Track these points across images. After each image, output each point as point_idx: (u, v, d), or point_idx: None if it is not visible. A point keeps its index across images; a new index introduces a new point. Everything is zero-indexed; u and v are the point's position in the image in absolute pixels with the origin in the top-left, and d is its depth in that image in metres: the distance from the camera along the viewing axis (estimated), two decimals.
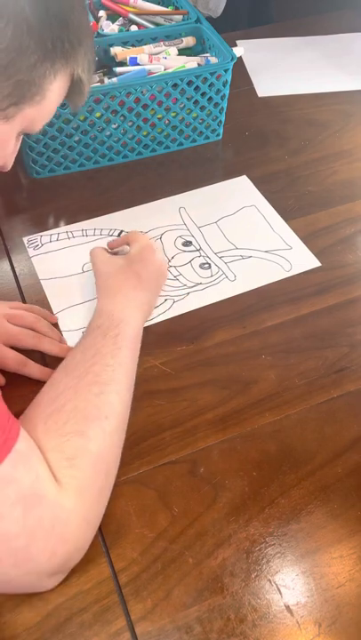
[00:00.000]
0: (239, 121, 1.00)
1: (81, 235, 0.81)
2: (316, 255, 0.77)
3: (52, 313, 0.71)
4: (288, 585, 0.50)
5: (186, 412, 0.61)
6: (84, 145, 0.89)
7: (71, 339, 0.68)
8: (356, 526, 0.53)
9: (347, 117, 1.01)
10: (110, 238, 0.80)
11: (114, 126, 0.88)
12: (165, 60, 0.92)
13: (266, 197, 0.86)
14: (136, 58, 0.91)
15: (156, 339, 0.68)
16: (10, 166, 0.57)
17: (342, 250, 0.78)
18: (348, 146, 0.95)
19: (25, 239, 0.81)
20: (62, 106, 0.82)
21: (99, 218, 0.84)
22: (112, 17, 1.02)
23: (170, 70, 0.90)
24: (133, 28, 1.00)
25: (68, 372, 0.57)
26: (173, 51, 0.95)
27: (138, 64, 0.91)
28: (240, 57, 1.10)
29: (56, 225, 0.83)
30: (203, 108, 0.92)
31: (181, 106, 0.90)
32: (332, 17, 1.28)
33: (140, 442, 0.59)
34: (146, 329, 0.69)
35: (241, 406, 0.62)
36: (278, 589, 0.50)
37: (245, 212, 0.84)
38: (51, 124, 0.83)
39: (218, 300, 0.72)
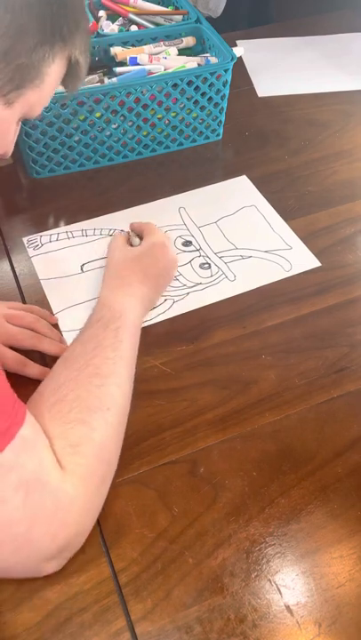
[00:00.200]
0: (239, 121, 1.00)
1: (81, 235, 0.81)
2: (317, 255, 0.77)
3: (51, 313, 0.71)
4: (288, 585, 0.50)
5: (186, 412, 0.61)
6: (84, 145, 0.89)
7: (71, 339, 0.68)
8: (356, 526, 0.53)
9: (347, 117, 1.01)
10: (109, 239, 0.80)
11: (114, 126, 0.88)
12: (165, 60, 0.92)
13: (266, 197, 0.86)
14: (136, 58, 0.91)
15: (156, 339, 0.68)
16: (10, 153, 0.57)
17: (342, 250, 0.78)
18: (348, 146, 0.95)
19: (25, 239, 0.81)
20: (62, 106, 0.82)
21: (99, 218, 0.84)
22: (112, 17, 1.02)
23: (170, 70, 0.90)
24: (133, 27, 1.00)
25: (69, 364, 0.57)
26: (173, 51, 0.95)
27: (138, 64, 0.91)
28: (240, 57, 1.10)
29: (56, 225, 0.83)
30: (203, 108, 0.92)
31: (181, 106, 0.90)
32: (332, 17, 1.28)
33: (140, 442, 0.59)
34: (146, 329, 0.69)
35: (241, 406, 0.62)
36: (278, 589, 0.50)
37: (245, 211, 0.84)
38: (51, 124, 0.83)
39: (218, 300, 0.72)
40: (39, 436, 0.48)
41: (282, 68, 1.14)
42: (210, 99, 0.91)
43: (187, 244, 0.80)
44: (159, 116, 0.90)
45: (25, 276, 0.76)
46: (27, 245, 0.80)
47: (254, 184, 0.88)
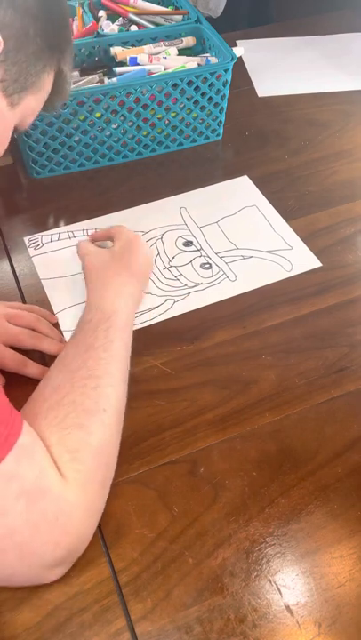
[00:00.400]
0: (239, 121, 1.00)
1: (82, 234, 0.81)
2: (317, 255, 0.77)
3: (52, 313, 0.71)
4: (288, 585, 0.50)
5: (186, 412, 0.61)
6: (84, 145, 0.89)
7: None
8: (356, 526, 0.53)
9: (347, 117, 1.01)
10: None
11: (114, 126, 0.88)
12: (165, 59, 0.92)
13: (266, 197, 0.86)
14: (136, 58, 0.91)
15: (156, 339, 0.68)
16: None
17: (342, 250, 0.78)
18: (348, 146, 0.95)
19: (26, 239, 0.81)
20: (63, 106, 0.82)
21: (99, 218, 0.84)
22: (112, 17, 1.02)
23: (170, 70, 0.90)
24: (133, 27, 1.00)
25: (62, 367, 0.57)
26: (173, 51, 0.95)
27: (138, 64, 0.91)
28: (240, 57, 1.11)
29: (56, 225, 0.83)
30: (203, 108, 0.92)
31: (181, 106, 0.90)
32: (332, 17, 1.28)
33: (140, 442, 0.59)
34: (146, 329, 0.69)
35: (241, 406, 0.62)
36: (278, 589, 0.50)
37: (246, 212, 0.84)
38: (50, 124, 0.83)
39: (218, 300, 0.72)
40: (37, 445, 0.48)
41: (282, 68, 1.14)
42: (210, 99, 0.91)
43: (188, 244, 0.80)
44: (159, 115, 0.90)
45: (25, 275, 0.76)
46: (27, 245, 0.80)
47: (254, 184, 0.88)
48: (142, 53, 0.92)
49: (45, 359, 0.66)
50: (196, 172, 0.91)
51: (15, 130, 0.55)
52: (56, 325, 0.70)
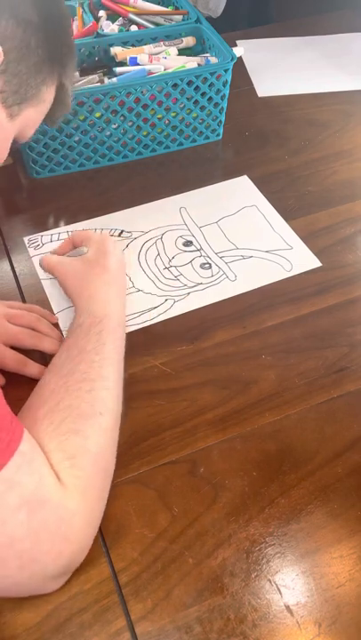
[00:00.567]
0: (239, 121, 1.00)
1: None
2: (317, 255, 0.77)
3: (52, 313, 0.71)
4: (288, 585, 0.50)
5: (186, 412, 0.61)
6: (84, 145, 0.89)
7: None
8: (356, 526, 0.53)
9: (347, 117, 1.01)
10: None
11: (114, 126, 0.88)
12: (165, 59, 0.92)
13: (266, 197, 0.86)
14: (136, 58, 0.91)
15: (156, 339, 0.68)
16: None
17: (342, 250, 0.78)
18: (348, 146, 0.95)
19: (26, 239, 0.81)
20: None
21: (99, 218, 0.84)
22: (112, 17, 1.02)
23: (170, 70, 0.90)
24: (133, 28, 1.00)
25: (56, 372, 0.57)
26: (173, 51, 0.95)
27: (138, 64, 0.91)
28: (240, 57, 1.11)
29: (56, 225, 0.83)
30: (203, 108, 0.92)
31: (181, 106, 0.90)
32: (332, 17, 1.28)
33: (140, 442, 0.59)
34: (146, 329, 0.69)
35: (241, 406, 0.62)
36: (278, 589, 0.50)
37: (246, 212, 0.84)
38: None
39: (218, 299, 0.72)
40: (37, 452, 0.47)
41: (282, 67, 1.14)
42: (210, 99, 0.91)
43: (187, 244, 0.80)
44: (159, 115, 0.90)
45: (25, 275, 0.76)
46: (27, 245, 0.80)
47: (254, 184, 0.88)
48: (142, 53, 0.92)
49: (45, 359, 0.66)
50: (196, 172, 0.91)
51: (15, 141, 0.55)
52: (56, 325, 0.70)
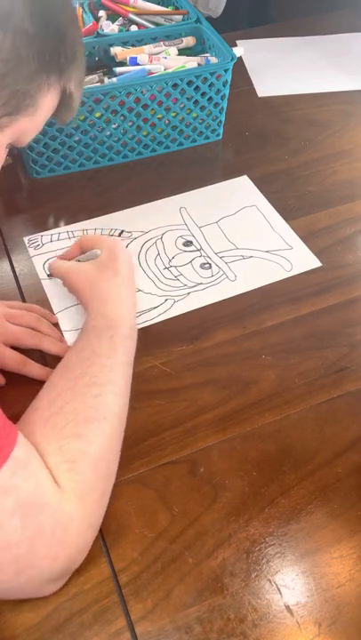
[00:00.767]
0: (239, 121, 1.00)
1: (82, 234, 0.81)
2: (317, 255, 0.77)
3: (52, 313, 0.71)
4: (288, 585, 0.50)
5: (186, 412, 0.61)
6: (84, 145, 0.89)
7: (71, 339, 0.68)
8: (356, 526, 0.53)
9: (347, 117, 1.01)
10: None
11: (114, 126, 0.88)
12: (165, 59, 0.92)
13: (266, 197, 0.86)
14: (136, 58, 0.91)
15: (156, 339, 0.68)
16: None
17: (342, 250, 0.78)
18: (348, 146, 0.95)
19: (26, 239, 0.81)
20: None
21: (99, 218, 0.84)
22: (112, 17, 1.02)
23: (170, 70, 0.90)
24: (133, 28, 1.00)
25: (65, 373, 0.57)
26: (173, 51, 0.95)
27: (138, 64, 0.91)
28: (240, 57, 1.10)
29: (56, 225, 0.83)
30: (203, 108, 0.92)
31: (181, 106, 0.90)
32: (332, 17, 1.28)
33: (140, 442, 0.59)
34: (146, 329, 0.69)
35: (241, 406, 0.62)
36: (278, 589, 0.50)
37: (246, 212, 0.84)
38: (50, 124, 0.83)
39: (218, 299, 0.72)
40: (33, 457, 0.47)
41: (282, 68, 1.14)
42: (210, 99, 0.91)
43: (187, 244, 0.80)
44: (159, 115, 0.90)
45: (25, 275, 0.76)
46: (27, 245, 0.80)
47: (254, 184, 0.88)
48: (142, 53, 0.92)
49: (45, 359, 0.66)
50: (196, 172, 0.91)
51: (12, 147, 0.54)
52: (56, 326, 0.70)
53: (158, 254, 0.78)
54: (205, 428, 0.60)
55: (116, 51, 0.94)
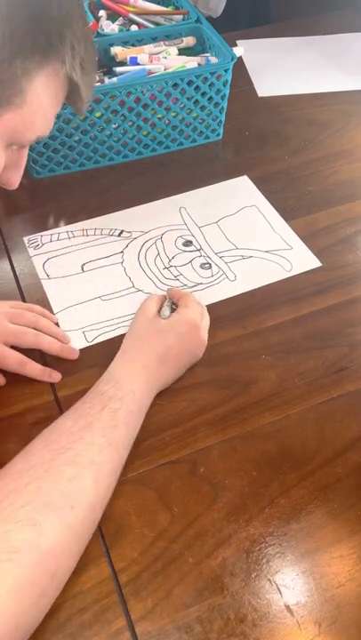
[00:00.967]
0: (239, 121, 1.00)
1: (81, 234, 0.81)
2: (317, 255, 0.77)
3: (52, 313, 0.71)
4: (288, 585, 0.50)
5: (186, 411, 0.61)
6: (84, 145, 0.89)
7: (71, 338, 0.68)
8: (356, 526, 0.53)
9: (347, 117, 1.01)
10: (111, 238, 0.80)
11: (114, 126, 0.88)
12: (165, 59, 0.92)
13: (266, 197, 0.86)
14: (136, 58, 0.91)
15: None
16: (13, 184, 0.54)
17: (342, 250, 0.78)
18: (348, 146, 0.95)
19: (25, 239, 0.81)
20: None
21: (99, 217, 0.84)
22: (112, 17, 1.02)
23: (170, 70, 0.90)
24: (133, 27, 1.00)
25: (50, 441, 0.51)
26: (173, 50, 0.95)
27: (138, 64, 0.91)
28: (240, 57, 1.11)
29: (56, 225, 0.83)
30: (203, 108, 0.92)
31: (181, 106, 0.90)
32: (332, 17, 1.28)
33: (140, 442, 0.59)
34: None
35: (241, 406, 0.62)
36: (278, 589, 0.50)
37: (246, 212, 0.84)
38: None
39: (218, 299, 0.72)
40: None
41: (282, 68, 1.14)
42: (210, 98, 0.91)
43: (187, 243, 0.80)
44: (159, 115, 0.90)
45: (25, 275, 0.76)
46: (27, 245, 0.80)
47: (254, 184, 0.88)
48: (142, 53, 0.92)
49: (45, 359, 0.66)
50: (196, 172, 0.91)
51: (16, 146, 0.51)
52: (56, 325, 0.70)
53: (158, 254, 0.78)
54: (205, 427, 0.60)
55: (117, 50, 0.94)
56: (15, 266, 0.78)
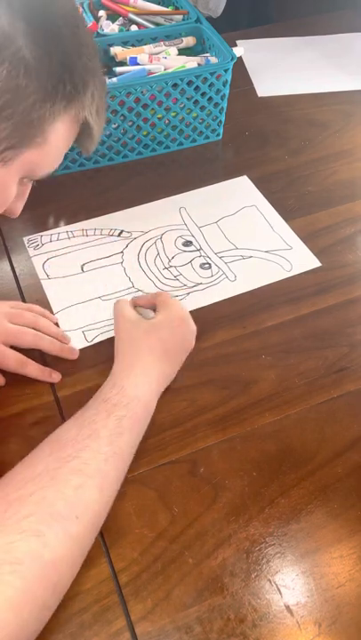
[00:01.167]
0: (239, 121, 1.00)
1: (81, 234, 0.81)
2: (317, 255, 0.77)
3: (52, 313, 0.71)
4: (288, 585, 0.50)
5: (186, 411, 0.61)
6: None
7: (71, 338, 0.68)
8: (356, 526, 0.53)
9: (347, 117, 1.01)
10: (111, 238, 0.80)
11: (114, 126, 0.88)
12: (165, 59, 0.92)
13: (266, 197, 0.86)
14: (136, 58, 0.91)
15: None
16: (17, 213, 0.55)
17: (342, 250, 0.78)
18: (348, 146, 0.95)
19: (25, 239, 0.81)
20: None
21: (99, 218, 0.84)
22: (112, 17, 1.02)
23: (170, 70, 0.90)
24: (133, 27, 1.00)
25: (55, 449, 0.51)
26: (173, 51, 0.95)
27: (138, 64, 0.91)
28: (240, 57, 1.11)
29: (56, 225, 0.83)
30: (203, 108, 0.92)
31: (181, 106, 0.90)
32: (333, 17, 1.28)
33: (141, 442, 0.59)
34: None
35: (241, 406, 0.62)
36: (278, 589, 0.50)
37: (246, 212, 0.84)
38: None
39: (218, 300, 0.72)
40: None
41: (282, 68, 1.14)
42: (210, 99, 0.91)
43: (187, 244, 0.80)
44: (159, 115, 0.90)
45: (25, 275, 0.76)
46: (27, 245, 0.80)
47: (254, 184, 0.88)
48: (142, 53, 0.92)
49: (45, 358, 0.66)
50: (195, 172, 0.91)
51: (31, 181, 0.52)
52: (56, 325, 0.70)
53: (158, 254, 0.78)
54: (205, 428, 0.60)
55: (116, 51, 0.94)
56: (15, 266, 0.78)
